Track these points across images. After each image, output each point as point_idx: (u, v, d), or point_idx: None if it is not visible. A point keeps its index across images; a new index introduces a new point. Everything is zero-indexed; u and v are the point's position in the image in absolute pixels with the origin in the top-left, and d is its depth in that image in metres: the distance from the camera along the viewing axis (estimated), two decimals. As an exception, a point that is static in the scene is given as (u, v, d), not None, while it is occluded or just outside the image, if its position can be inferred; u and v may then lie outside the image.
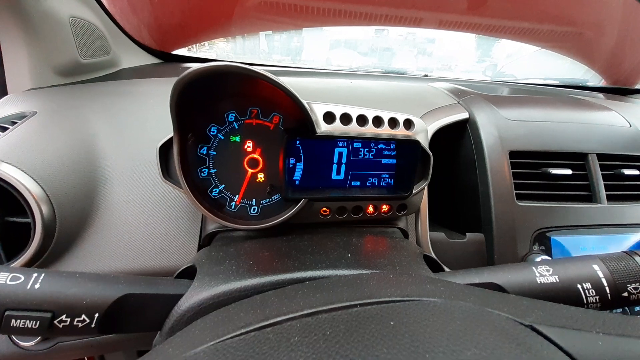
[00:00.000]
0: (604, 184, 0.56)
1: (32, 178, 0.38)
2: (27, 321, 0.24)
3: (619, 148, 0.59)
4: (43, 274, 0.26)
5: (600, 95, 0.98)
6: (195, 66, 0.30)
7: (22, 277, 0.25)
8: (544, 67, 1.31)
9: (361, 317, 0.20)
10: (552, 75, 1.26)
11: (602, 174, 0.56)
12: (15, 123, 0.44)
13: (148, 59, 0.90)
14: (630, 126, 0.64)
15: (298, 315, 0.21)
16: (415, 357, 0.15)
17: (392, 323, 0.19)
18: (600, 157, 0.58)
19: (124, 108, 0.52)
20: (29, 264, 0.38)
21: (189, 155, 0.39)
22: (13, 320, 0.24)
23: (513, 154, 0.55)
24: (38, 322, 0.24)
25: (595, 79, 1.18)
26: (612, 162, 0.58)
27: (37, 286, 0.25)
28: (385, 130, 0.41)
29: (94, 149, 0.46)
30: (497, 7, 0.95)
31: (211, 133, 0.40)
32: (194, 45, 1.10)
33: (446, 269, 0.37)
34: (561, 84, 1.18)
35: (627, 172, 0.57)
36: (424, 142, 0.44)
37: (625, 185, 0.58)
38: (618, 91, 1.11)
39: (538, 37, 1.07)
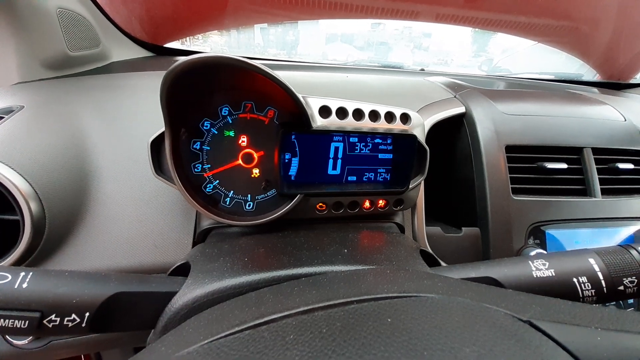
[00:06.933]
0: (599, 178, 0.56)
1: (20, 174, 0.37)
2: (16, 321, 0.24)
3: (613, 142, 0.60)
4: (31, 273, 0.25)
5: (595, 89, 0.99)
6: (185, 58, 0.29)
7: (10, 276, 0.24)
8: (540, 62, 1.31)
9: (358, 314, 0.19)
10: (548, 70, 1.26)
11: (597, 168, 0.57)
12: (2, 118, 0.43)
13: (140, 52, 0.88)
14: (625, 120, 0.64)
15: (294, 313, 0.21)
16: (413, 355, 0.15)
17: (389, 320, 0.18)
18: (595, 151, 0.58)
19: (115, 102, 0.50)
20: (19, 262, 0.37)
21: (182, 151, 0.38)
22: (2, 320, 0.23)
23: (509, 148, 0.55)
24: (27, 321, 0.24)
25: (589, 74, 1.19)
26: (606, 156, 0.59)
27: (24, 285, 0.24)
28: (381, 125, 0.41)
29: (84, 144, 0.45)
30: (494, 1, 0.94)
31: (204, 127, 0.39)
32: (188, 38, 1.07)
33: (442, 263, 0.37)
34: (556, 78, 1.19)
35: (621, 166, 0.58)
36: (421, 137, 0.43)
37: (619, 179, 0.58)
38: (613, 86, 1.11)
39: (534, 31, 1.07)
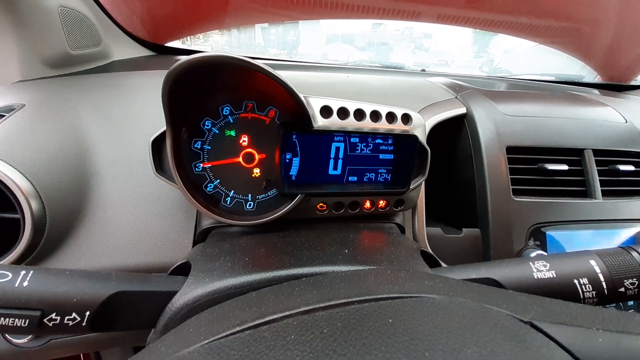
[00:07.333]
0: (600, 180, 0.56)
1: (21, 173, 0.37)
2: (16, 319, 0.24)
3: (614, 144, 0.60)
4: (32, 272, 0.25)
5: (596, 91, 0.99)
6: (187, 57, 0.29)
7: (10, 275, 0.24)
8: (541, 63, 1.31)
9: (359, 314, 0.19)
10: (549, 71, 1.26)
11: (598, 170, 0.57)
12: (3, 116, 0.43)
13: (141, 51, 0.88)
14: (626, 122, 0.64)
15: (295, 313, 0.20)
16: (415, 356, 0.15)
17: (390, 320, 0.18)
18: (596, 152, 0.58)
19: (116, 101, 0.50)
20: (19, 261, 0.37)
21: (183, 150, 0.38)
22: (2, 319, 0.23)
23: (510, 149, 0.55)
24: (27, 320, 0.24)
25: (590, 76, 1.19)
26: (607, 157, 0.59)
27: (25, 284, 0.24)
28: (382, 125, 0.41)
29: (85, 143, 0.45)
30: (496, 2, 0.94)
31: (205, 127, 0.39)
32: (188, 38, 1.07)
33: (443, 264, 0.37)
34: (557, 79, 1.19)
35: (622, 167, 0.57)
36: (422, 137, 0.43)
37: (620, 180, 0.58)
38: (614, 87, 1.11)
39: (535, 32, 1.07)
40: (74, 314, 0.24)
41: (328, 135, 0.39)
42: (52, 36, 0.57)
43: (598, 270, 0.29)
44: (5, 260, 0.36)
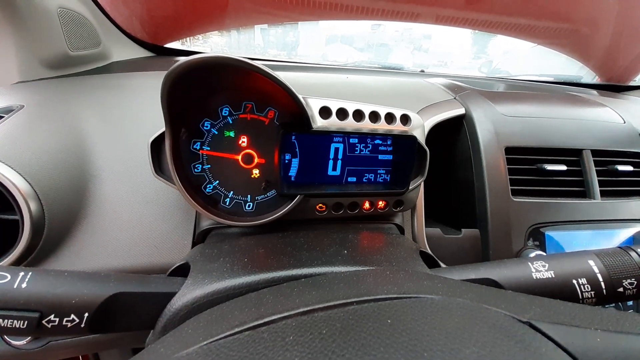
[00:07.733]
0: (598, 180, 0.56)
1: (20, 174, 0.37)
2: (15, 321, 0.23)
3: (613, 144, 0.60)
4: (30, 273, 0.25)
5: (595, 92, 0.99)
6: (186, 58, 0.29)
7: (9, 276, 0.24)
8: (539, 64, 1.32)
9: (358, 315, 0.19)
10: (547, 72, 1.27)
11: (596, 170, 0.57)
12: (2, 117, 0.43)
13: (140, 52, 0.88)
14: (624, 122, 0.64)
15: (293, 314, 0.20)
16: (414, 356, 0.15)
17: (389, 321, 0.18)
18: (595, 153, 0.58)
19: (115, 102, 0.50)
20: (18, 262, 0.37)
21: (182, 151, 0.38)
22: (0, 320, 0.23)
23: (509, 150, 0.55)
24: (26, 322, 0.24)
25: (589, 76, 1.19)
26: (606, 158, 0.59)
27: (24, 285, 0.24)
28: (381, 126, 0.41)
29: (84, 144, 0.45)
30: (495, 3, 0.95)
31: (204, 128, 0.39)
32: (188, 39, 1.08)
33: (442, 264, 0.37)
34: (556, 80, 1.19)
35: (620, 168, 0.58)
36: (421, 138, 0.44)
37: (618, 181, 0.59)
38: (612, 88, 1.12)
39: (534, 33, 1.07)
40: (72, 316, 0.24)
41: (327, 136, 0.39)
42: (51, 37, 0.57)
43: (597, 271, 0.29)
44: (4, 261, 0.36)
